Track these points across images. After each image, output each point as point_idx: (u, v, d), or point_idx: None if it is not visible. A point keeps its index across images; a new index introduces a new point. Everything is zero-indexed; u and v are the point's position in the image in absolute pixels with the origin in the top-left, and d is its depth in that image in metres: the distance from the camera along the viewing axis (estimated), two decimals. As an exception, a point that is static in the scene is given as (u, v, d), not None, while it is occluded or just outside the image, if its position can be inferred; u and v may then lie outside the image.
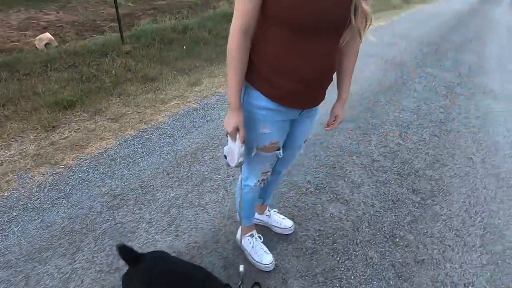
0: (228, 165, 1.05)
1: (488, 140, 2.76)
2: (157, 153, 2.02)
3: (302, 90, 0.90)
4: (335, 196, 1.87)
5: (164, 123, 2.32)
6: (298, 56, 0.82)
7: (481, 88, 3.91)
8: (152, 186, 1.76)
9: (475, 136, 2.79)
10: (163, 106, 2.51)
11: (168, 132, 2.23)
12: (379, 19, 7.22)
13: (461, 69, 4.53)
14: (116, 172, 1.83)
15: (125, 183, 1.76)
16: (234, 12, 0.79)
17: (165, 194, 1.72)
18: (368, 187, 1.98)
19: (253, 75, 0.89)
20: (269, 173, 1.19)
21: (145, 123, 2.28)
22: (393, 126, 2.75)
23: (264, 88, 0.90)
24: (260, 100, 0.92)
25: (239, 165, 1.01)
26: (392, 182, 2.06)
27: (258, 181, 1.18)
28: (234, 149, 0.97)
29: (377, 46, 5.04)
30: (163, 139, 2.16)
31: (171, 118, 2.40)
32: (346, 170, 2.11)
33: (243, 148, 0.98)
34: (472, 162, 2.41)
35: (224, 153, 1.04)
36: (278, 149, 1.07)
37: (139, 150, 2.02)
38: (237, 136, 0.94)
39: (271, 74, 0.87)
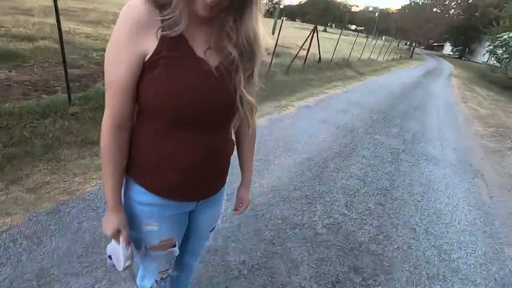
0: (114, 266, 0.89)
1: (431, 208, 2.82)
2: (73, 231, 1.77)
3: (189, 183, 0.82)
4: (270, 279, 1.70)
5: (92, 193, 2.11)
6: (180, 148, 0.77)
7: (424, 155, 4.19)
8: (52, 275, 1.48)
9: (419, 204, 2.85)
10: (96, 174, 2.33)
11: (94, 204, 2.02)
12: (335, 87, 7.95)
13: (406, 136, 4.89)
14: (12, 257, 1.54)
15: (19, 273, 1.47)
16: (105, 105, 0.73)
17: (66, 285, 1.45)
18: (307, 266, 1.84)
19: (132, 168, 0.81)
20: (169, 270, 1.03)
21: (68, 194, 2.05)
22: (339, 194, 2.74)
23: (145, 182, 0.81)
24: (142, 195, 0.82)
25: (127, 268, 0.86)
26: (334, 259, 1.94)
27: (157, 280, 1.01)
28: (119, 252, 0.84)
29: (331, 113, 5.41)
30: (85, 212, 1.93)
31: (102, 188, 2.20)
32: (286, 246, 1.98)
33: (130, 250, 0.85)
34: (415, 233, 2.39)
35: (108, 254, 0.89)
36: (173, 246, 0.94)
37: (51, 227, 1.76)
38: (121, 238, 0.82)
39: (152, 168, 0.79)
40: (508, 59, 19.52)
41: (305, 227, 2.20)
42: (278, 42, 8.62)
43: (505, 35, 20.01)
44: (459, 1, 41.95)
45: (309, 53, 9.97)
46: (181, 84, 0.68)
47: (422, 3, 41.26)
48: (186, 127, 0.74)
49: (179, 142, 0.76)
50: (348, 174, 3.16)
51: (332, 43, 13.15)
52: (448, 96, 10.57)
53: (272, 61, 8.61)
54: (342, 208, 2.53)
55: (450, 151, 4.60)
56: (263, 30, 0.75)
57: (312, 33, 9.32)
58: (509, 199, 3.34)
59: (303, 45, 9.28)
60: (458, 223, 2.65)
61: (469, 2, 43.59)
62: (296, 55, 9.04)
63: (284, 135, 3.85)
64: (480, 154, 4.76)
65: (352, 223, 2.36)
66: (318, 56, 10.51)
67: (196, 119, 0.74)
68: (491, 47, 22.39)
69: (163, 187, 0.81)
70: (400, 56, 26.26)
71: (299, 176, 2.92)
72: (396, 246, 2.18)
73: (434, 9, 39.42)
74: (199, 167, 0.81)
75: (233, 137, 0.93)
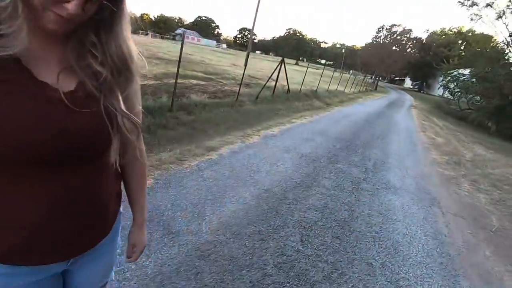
0: None
1: (389, 240, 2.75)
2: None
3: (42, 241, 0.64)
4: (204, 336, 1.47)
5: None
6: (23, 199, 0.59)
7: (384, 184, 4.23)
8: None
9: (377, 235, 2.78)
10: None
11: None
12: (302, 117, 8.13)
13: (367, 164, 4.97)
14: None
15: None
16: None
17: None
18: (251, 316, 1.64)
19: None
20: None
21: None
22: (295, 228, 2.61)
23: None
24: None
25: None
26: (282, 304, 1.76)
27: None
28: None
29: (296, 142, 5.43)
30: None
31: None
32: (230, 292, 1.77)
33: None
34: (371, 268, 2.28)
35: None
36: None
37: None
38: None
39: None
40: (459, 93, 21.53)
41: (254, 267, 2.01)
42: (250, 74, 8.87)
43: (454, 71, 22.27)
44: (414, 41, 46.64)
45: (280, 85, 10.31)
46: (8, 117, 0.53)
47: (383, 41, 45.35)
48: (30, 171, 0.58)
49: (21, 192, 0.59)
50: (307, 206, 3.06)
51: (303, 75, 13.74)
52: (409, 125, 11.21)
53: (242, 92, 8.75)
54: (297, 243, 2.39)
55: (409, 179, 4.71)
56: (134, 46, 0.67)
57: (280, 64, 9.70)
58: (464, 227, 3.38)
59: (271, 75, 9.58)
60: (415, 255, 2.59)
61: (423, 42, 48.65)
62: (265, 85, 9.28)
63: (244, 165, 3.74)
64: (437, 182, 4.92)
65: (306, 260, 2.21)
66: (287, 87, 10.88)
67: (44, 158, 0.58)
68: (444, 82, 24.72)
69: (3, 251, 0.62)
70: (366, 89, 28.05)
71: (254, 210, 2.76)
72: (351, 285, 2.05)
73: (394, 47, 43.37)
74: (55, 219, 0.63)
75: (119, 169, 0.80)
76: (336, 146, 5.71)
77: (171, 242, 2.10)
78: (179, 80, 9.27)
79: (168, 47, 23.02)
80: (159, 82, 8.36)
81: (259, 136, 5.31)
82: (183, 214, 2.45)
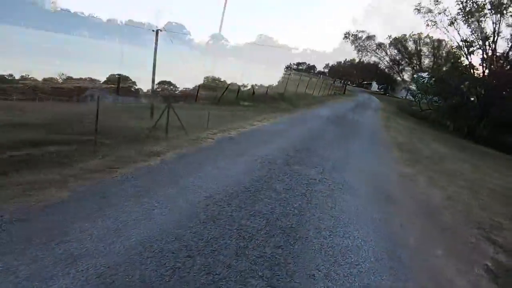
0: None
1: (337, 245, 2.52)
2: None
3: None
4: None
5: None
6: None
7: (340, 184, 4.05)
8: None
9: (324, 242, 2.54)
10: None
11: None
12: (264, 120, 7.92)
13: (326, 165, 4.80)
14: None
15: None
16: None
17: None
18: None
19: None
20: None
21: None
22: (232, 239, 2.30)
23: None
24: None
25: None
26: None
27: None
28: None
29: (254, 144, 5.16)
30: None
31: None
32: (127, 329, 1.42)
33: None
34: (313, 281, 2.02)
35: None
36: None
37: None
38: None
39: None
40: (420, 94, 22.65)
41: (168, 293, 1.67)
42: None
43: (414, 74, 23.42)
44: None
45: (250, 88, 10.10)
46: None
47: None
48: None
49: None
50: (251, 213, 2.77)
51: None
52: (373, 126, 11.42)
53: (206, 95, 8.40)
54: (230, 257, 2.08)
55: (368, 178, 4.59)
56: None
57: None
58: (417, 226, 3.26)
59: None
60: (364, 261, 2.38)
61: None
62: (227, 87, 9.01)
63: (188, 171, 3.39)
64: (395, 180, 4.86)
65: (237, 277, 1.90)
66: (252, 90, 10.69)
67: None
68: (406, 84, 25.93)
69: None
70: (335, 92, 28.74)
71: (187, 221, 2.42)
72: (285, 303, 1.77)
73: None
74: None
75: None
76: (296, 147, 5.51)
77: (67, 268, 1.70)
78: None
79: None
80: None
81: (213, 139, 4.99)
82: (94, 231, 2.06)
